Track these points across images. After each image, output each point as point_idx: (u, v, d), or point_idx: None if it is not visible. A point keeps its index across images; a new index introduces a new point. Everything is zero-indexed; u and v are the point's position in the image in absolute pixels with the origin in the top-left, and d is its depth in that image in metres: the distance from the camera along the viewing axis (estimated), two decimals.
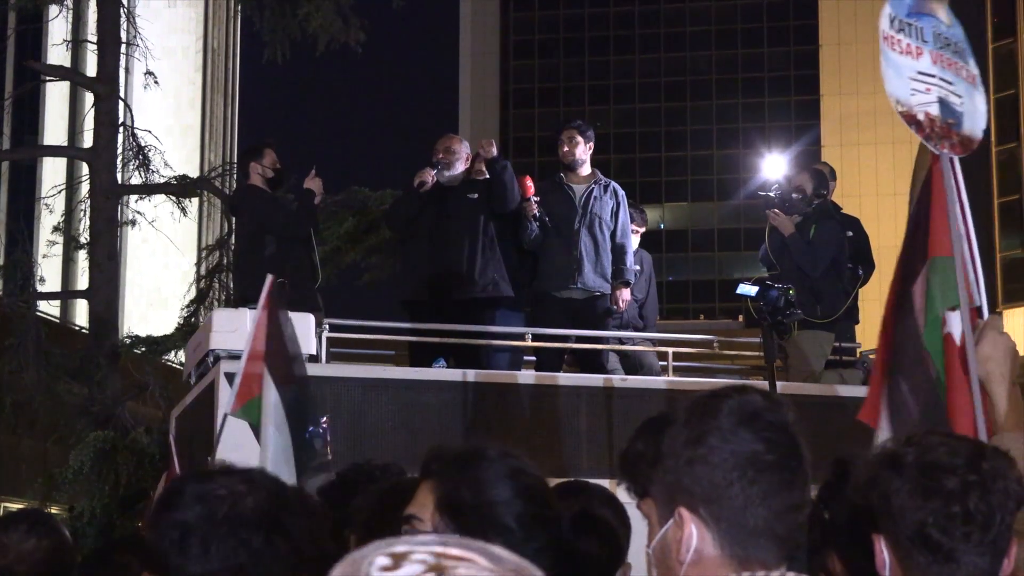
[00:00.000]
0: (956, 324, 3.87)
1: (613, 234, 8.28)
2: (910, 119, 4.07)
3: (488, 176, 8.22)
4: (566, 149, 8.43)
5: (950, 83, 4.17)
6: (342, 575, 1.09)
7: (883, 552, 2.29)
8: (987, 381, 3.37)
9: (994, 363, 3.36)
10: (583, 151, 8.42)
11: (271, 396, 5.50)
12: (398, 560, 1.10)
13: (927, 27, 4.20)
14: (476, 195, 8.16)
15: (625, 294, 8.29)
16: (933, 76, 4.14)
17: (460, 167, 8.29)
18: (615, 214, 8.32)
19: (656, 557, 1.95)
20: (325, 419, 4.39)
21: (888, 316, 4.18)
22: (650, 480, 1.96)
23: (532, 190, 8.20)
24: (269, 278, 5.90)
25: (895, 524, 2.27)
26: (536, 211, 8.15)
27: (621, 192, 8.45)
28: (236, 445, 5.58)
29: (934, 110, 4.10)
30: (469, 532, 2.02)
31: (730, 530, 1.88)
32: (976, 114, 4.20)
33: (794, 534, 1.91)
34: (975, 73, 4.28)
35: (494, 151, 8.23)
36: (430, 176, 8.15)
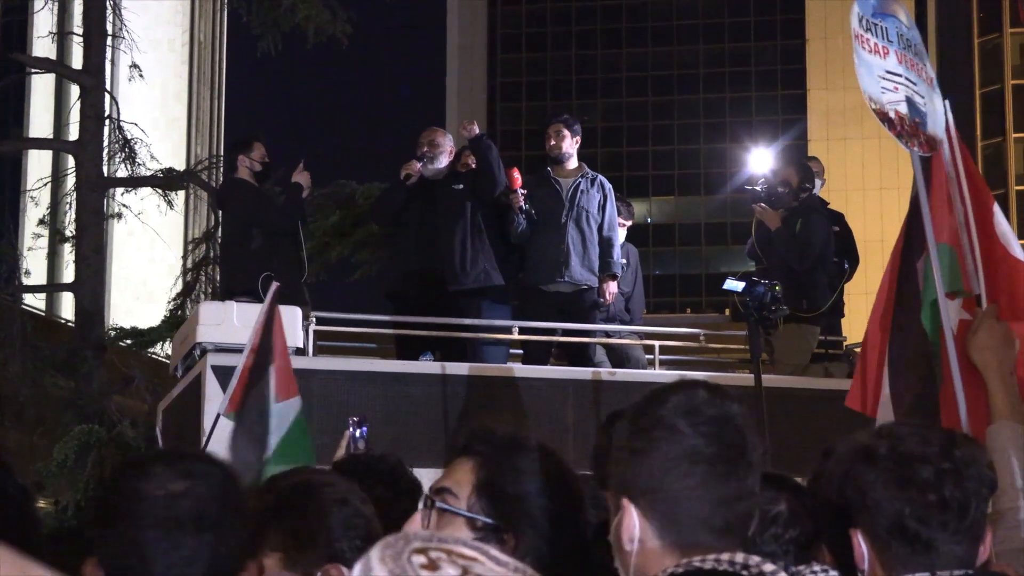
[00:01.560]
0: (953, 310, 3.91)
1: (600, 227, 8.29)
2: (883, 116, 4.13)
3: (473, 167, 8.22)
4: (553, 143, 8.44)
5: (914, 83, 4.24)
6: (389, 573, 1.11)
7: (861, 546, 2.31)
8: (984, 369, 3.39)
9: (991, 352, 3.39)
10: (570, 145, 8.43)
11: (267, 399, 5.55)
12: (431, 559, 1.13)
13: (891, 27, 4.26)
14: (462, 186, 8.16)
15: (612, 287, 8.30)
16: (899, 75, 4.21)
17: (444, 160, 8.30)
18: (602, 207, 8.33)
19: (614, 545, 1.99)
20: (365, 424, 4.46)
21: (886, 304, 4.21)
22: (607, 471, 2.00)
23: (519, 182, 8.20)
24: (275, 285, 5.93)
25: (872, 517, 2.28)
26: (523, 203, 8.15)
27: (608, 185, 8.47)
28: (224, 442, 5.60)
29: (903, 108, 4.16)
30: (503, 520, 2.03)
31: (666, 520, 1.92)
32: (936, 115, 4.27)
33: (734, 524, 1.94)
34: (932, 76, 4.36)
35: (476, 129, 8.21)
36: (416, 168, 8.16)
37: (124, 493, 1.97)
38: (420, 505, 2.14)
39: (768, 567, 1.83)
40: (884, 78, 4.16)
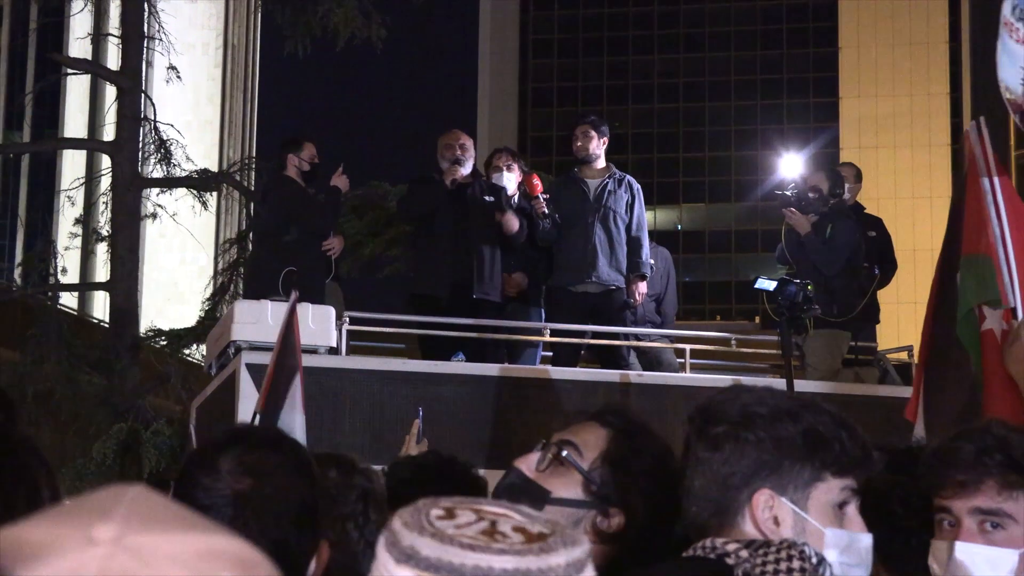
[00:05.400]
0: (995, 319, 3.91)
1: (628, 227, 8.32)
2: (1016, 107, 4.10)
3: (521, 197, 8.34)
4: (580, 144, 8.48)
5: None
6: (405, 523, 1.15)
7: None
8: (1020, 381, 3.39)
9: None
10: (596, 145, 8.46)
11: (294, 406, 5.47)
12: (450, 511, 1.17)
13: None
14: (493, 199, 8.24)
15: (642, 287, 8.31)
16: None
17: (470, 164, 8.42)
18: (630, 207, 8.35)
19: None
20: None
21: (928, 315, 4.23)
22: None
23: (539, 188, 8.25)
24: (295, 293, 5.84)
25: None
26: (545, 208, 8.19)
27: (636, 186, 8.48)
28: None
29: None
30: (617, 494, 2.13)
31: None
32: None
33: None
34: None
35: (515, 226, 8.25)
36: (462, 175, 8.26)
37: (191, 487, 1.97)
38: (539, 447, 2.20)
39: (732, 546, 1.87)
40: None
